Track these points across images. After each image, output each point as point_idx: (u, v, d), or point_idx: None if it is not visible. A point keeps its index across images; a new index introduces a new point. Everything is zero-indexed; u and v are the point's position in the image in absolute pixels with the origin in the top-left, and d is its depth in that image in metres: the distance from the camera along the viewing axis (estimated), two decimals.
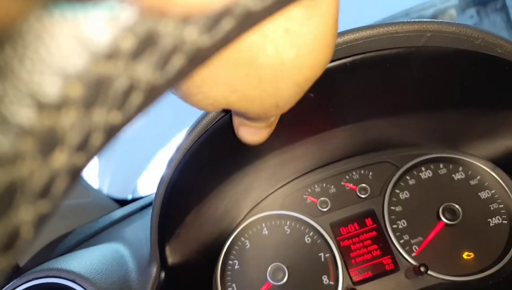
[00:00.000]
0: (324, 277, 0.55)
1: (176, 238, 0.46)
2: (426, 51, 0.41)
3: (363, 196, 0.58)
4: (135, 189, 1.03)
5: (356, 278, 0.54)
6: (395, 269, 0.54)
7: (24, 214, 0.12)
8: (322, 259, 0.56)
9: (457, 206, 0.55)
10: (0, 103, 0.11)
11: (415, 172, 0.59)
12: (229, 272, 0.56)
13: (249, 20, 0.14)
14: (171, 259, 0.46)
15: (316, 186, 0.60)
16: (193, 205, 0.48)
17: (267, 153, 0.48)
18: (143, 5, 0.12)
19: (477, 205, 0.56)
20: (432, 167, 0.60)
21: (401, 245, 0.55)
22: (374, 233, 0.56)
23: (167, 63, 0.13)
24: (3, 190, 0.11)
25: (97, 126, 0.13)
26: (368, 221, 0.57)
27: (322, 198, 0.59)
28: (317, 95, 0.43)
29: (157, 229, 0.43)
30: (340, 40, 0.39)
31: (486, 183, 0.57)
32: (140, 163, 1.15)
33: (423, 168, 0.59)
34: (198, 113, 0.42)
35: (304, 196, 0.60)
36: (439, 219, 0.55)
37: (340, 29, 0.40)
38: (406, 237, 0.55)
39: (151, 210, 0.43)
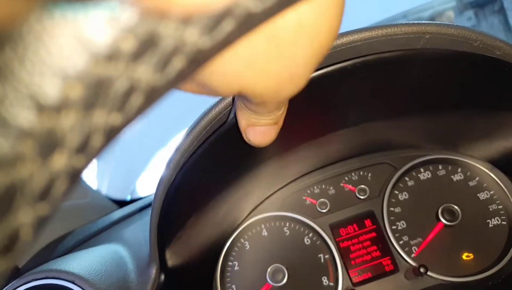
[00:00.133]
0: (324, 278, 0.55)
1: (177, 240, 0.46)
2: (426, 53, 0.41)
3: (362, 197, 0.58)
4: (134, 190, 1.03)
5: (355, 279, 0.54)
6: (395, 270, 0.54)
7: (24, 216, 0.12)
8: (322, 260, 0.56)
9: (456, 207, 0.55)
10: (0, 105, 0.11)
11: (414, 173, 0.59)
12: (228, 274, 0.56)
13: (249, 22, 0.14)
14: (171, 261, 0.46)
15: (315, 187, 0.60)
16: (195, 208, 0.48)
17: (267, 156, 0.48)
18: (144, 6, 0.12)
19: (476, 206, 0.56)
20: (431, 168, 0.60)
21: (400, 246, 0.55)
22: (374, 234, 0.56)
23: (167, 65, 0.13)
24: (3, 192, 0.11)
25: (97, 128, 0.13)
26: (368, 222, 0.57)
27: (322, 200, 0.59)
28: (318, 99, 0.43)
29: (157, 230, 0.43)
30: (339, 41, 0.39)
31: (485, 184, 0.58)
32: (139, 163, 1.15)
33: (422, 169, 0.59)
34: (197, 113, 0.42)
35: (304, 198, 0.60)
36: (438, 220, 0.55)
37: (339, 31, 0.40)
38: (405, 238, 0.55)
39: (150, 211, 0.43)
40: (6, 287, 0.43)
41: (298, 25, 0.22)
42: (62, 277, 0.43)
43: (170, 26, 0.13)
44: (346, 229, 0.57)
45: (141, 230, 0.55)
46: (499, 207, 0.56)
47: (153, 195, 0.43)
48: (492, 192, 0.57)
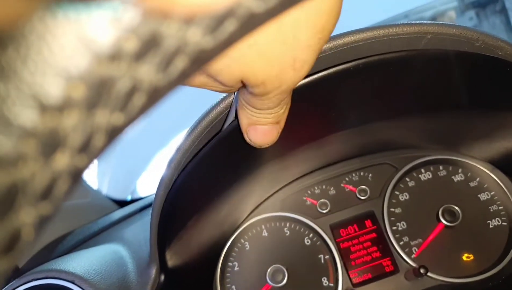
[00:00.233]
0: (324, 279, 0.55)
1: (177, 241, 0.46)
2: (428, 54, 0.41)
3: (362, 197, 0.58)
4: (134, 190, 1.03)
5: (355, 280, 0.54)
6: (395, 271, 0.54)
7: (25, 216, 0.12)
8: (322, 261, 0.56)
9: (456, 207, 0.55)
10: (3, 105, 0.11)
11: (414, 174, 0.59)
12: (228, 274, 0.56)
13: (252, 22, 0.14)
14: (171, 261, 0.46)
15: (315, 188, 0.60)
16: (195, 209, 0.48)
17: (268, 157, 0.48)
18: (146, 6, 0.12)
19: (477, 207, 0.56)
20: (431, 169, 0.60)
21: (400, 246, 0.55)
22: (374, 234, 0.56)
23: (170, 65, 0.13)
24: (5, 192, 0.11)
25: (99, 128, 0.12)
26: (368, 223, 0.57)
27: (322, 200, 0.59)
28: (319, 100, 0.43)
29: (157, 231, 0.43)
30: (340, 41, 0.39)
31: (486, 185, 0.57)
32: (140, 163, 1.15)
33: (422, 170, 0.59)
34: (198, 113, 0.42)
35: (304, 198, 0.59)
36: (439, 220, 0.55)
37: (340, 31, 0.40)
38: (405, 238, 0.55)
39: (150, 211, 0.43)
40: (6, 287, 0.43)
41: (300, 7, 0.22)
42: (62, 277, 0.43)
43: (173, 26, 0.13)
44: (346, 229, 0.57)
45: (141, 230, 0.55)
46: (500, 208, 0.56)
47: (154, 195, 0.43)
48: (492, 193, 0.57)
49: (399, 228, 0.56)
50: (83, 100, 0.12)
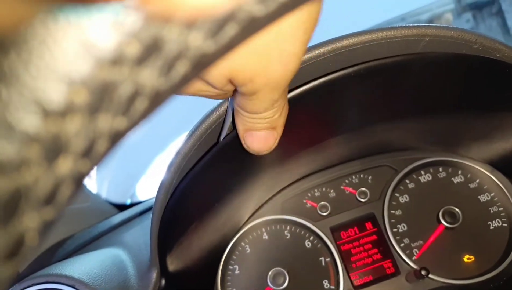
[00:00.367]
0: (325, 282, 0.54)
1: (178, 245, 0.46)
2: (428, 57, 0.41)
3: (363, 200, 0.58)
4: (134, 194, 1.03)
5: (357, 282, 0.54)
6: (396, 273, 0.54)
7: (29, 221, 0.12)
8: (323, 264, 0.55)
9: (457, 209, 0.55)
10: (5, 110, 0.11)
11: (414, 176, 0.59)
12: (229, 278, 0.56)
13: (252, 26, 0.14)
14: (172, 265, 0.46)
15: (316, 190, 0.60)
16: (196, 213, 0.48)
17: (268, 160, 0.48)
18: (148, 10, 0.12)
19: (477, 208, 0.56)
20: (431, 170, 0.60)
21: (401, 248, 0.55)
22: (375, 237, 0.56)
23: (171, 69, 0.13)
24: (8, 197, 0.11)
25: (101, 132, 0.13)
26: (368, 225, 0.57)
27: (322, 203, 0.59)
28: (319, 105, 0.43)
29: (157, 235, 0.43)
30: (339, 44, 0.39)
31: (486, 186, 0.58)
32: (139, 167, 1.15)
33: (422, 172, 0.59)
34: (197, 117, 0.42)
35: (304, 201, 0.59)
36: (439, 222, 0.55)
37: (337, 35, 0.40)
38: (406, 240, 0.55)
39: (151, 215, 0.43)
40: None
41: (300, 10, 0.22)
42: (62, 281, 0.43)
43: (174, 31, 0.13)
44: (347, 232, 0.57)
45: (141, 234, 0.55)
46: (500, 209, 0.56)
47: (154, 199, 0.43)
48: (492, 194, 0.57)
49: (400, 230, 0.56)
50: (86, 105, 0.12)
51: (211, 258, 0.55)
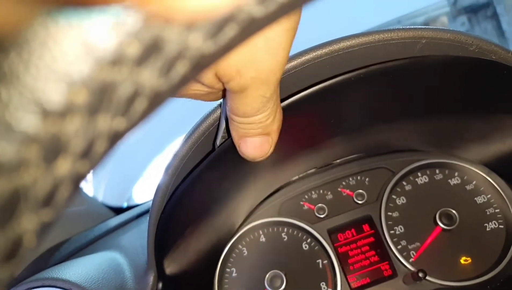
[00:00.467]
0: (322, 284, 0.54)
1: (175, 248, 0.46)
2: (426, 60, 0.41)
3: (360, 202, 0.58)
4: (130, 197, 1.02)
5: (354, 285, 0.54)
6: (393, 275, 0.54)
7: (27, 222, 0.12)
8: (320, 266, 0.55)
9: (453, 211, 0.55)
10: (5, 110, 0.11)
11: (411, 178, 0.60)
12: (226, 280, 0.55)
13: (252, 27, 0.14)
14: (168, 268, 0.46)
15: (313, 192, 0.60)
16: (193, 216, 0.48)
17: (265, 162, 0.48)
18: (148, 11, 0.12)
19: (474, 210, 0.56)
20: (428, 172, 0.60)
21: (398, 250, 0.55)
22: (372, 239, 0.56)
23: (171, 69, 0.13)
24: (7, 198, 0.11)
25: (101, 133, 0.12)
26: (366, 227, 0.57)
27: (319, 205, 0.59)
28: (319, 109, 0.44)
29: (154, 238, 0.43)
30: (336, 46, 0.40)
31: (482, 188, 0.58)
32: (135, 170, 1.14)
33: (419, 174, 0.60)
34: (194, 120, 0.42)
35: (301, 203, 0.59)
36: (436, 224, 0.55)
37: (334, 37, 0.40)
38: (403, 242, 0.55)
39: (147, 218, 0.43)
40: None
41: (299, 11, 0.22)
42: (59, 285, 0.42)
43: (174, 31, 0.13)
44: (344, 234, 0.57)
45: (138, 237, 0.55)
46: (496, 211, 0.56)
47: (151, 202, 0.43)
48: (489, 196, 0.57)
49: (397, 232, 0.56)
50: (85, 105, 0.12)
51: (209, 261, 0.55)
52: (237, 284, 0.55)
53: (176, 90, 0.14)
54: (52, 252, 0.59)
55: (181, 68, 0.14)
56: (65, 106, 0.11)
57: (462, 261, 0.54)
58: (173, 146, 0.42)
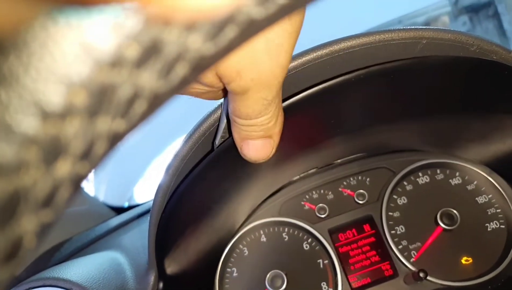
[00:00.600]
0: (323, 284, 0.54)
1: (176, 247, 0.46)
2: (427, 61, 0.41)
3: (361, 202, 0.58)
4: (131, 197, 1.02)
5: (355, 285, 0.54)
6: (394, 275, 0.54)
7: (27, 223, 0.12)
8: (321, 266, 0.55)
9: (454, 211, 0.55)
10: (5, 112, 0.11)
11: (412, 178, 0.60)
12: (227, 280, 0.55)
13: (252, 28, 0.14)
14: (169, 268, 0.46)
15: (314, 192, 0.60)
16: (193, 216, 0.48)
17: (265, 163, 0.48)
18: (148, 12, 0.12)
19: (475, 210, 0.56)
20: (429, 172, 0.60)
21: (399, 250, 0.55)
22: (373, 239, 0.56)
23: (171, 71, 0.13)
24: (6, 200, 0.11)
25: (100, 135, 0.12)
26: (366, 227, 0.57)
27: (320, 205, 0.59)
28: (320, 110, 0.44)
29: (155, 238, 0.43)
30: (336, 47, 0.40)
31: (483, 188, 0.58)
32: (136, 170, 1.14)
33: (420, 174, 0.60)
34: (195, 120, 0.42)
35: (302, 203, 0.59)
36: (437, 224, 0.55)
37: (335, 37, 0.40)
38: (404, 242, 0.55)
39: (148, 218, 0.43)
40: None
41: (299, 13, 0.21)
42: (60, 285, 0.42)
43: (174, 33, 0.13)
44: (345, 234, 0.57)
45: (139, 237, 0.55)
46: (498, 210, 0.56)
47: (151, 202, 0.43)
48: (490, 196, 0.57)
49: (398, 232, 0.56)
50: (85, 107, 0.12)
51: (209, 261, 0.55)
52: (237, 284, 0.55)
53: (176, 91, 0.14)
54: (53, 252, 0.59)
55: (180, 70, 0.14)
56: (65, 108, 0.11)
57: (463, 261, 0.54)
58: (174, 146, 0.42)
